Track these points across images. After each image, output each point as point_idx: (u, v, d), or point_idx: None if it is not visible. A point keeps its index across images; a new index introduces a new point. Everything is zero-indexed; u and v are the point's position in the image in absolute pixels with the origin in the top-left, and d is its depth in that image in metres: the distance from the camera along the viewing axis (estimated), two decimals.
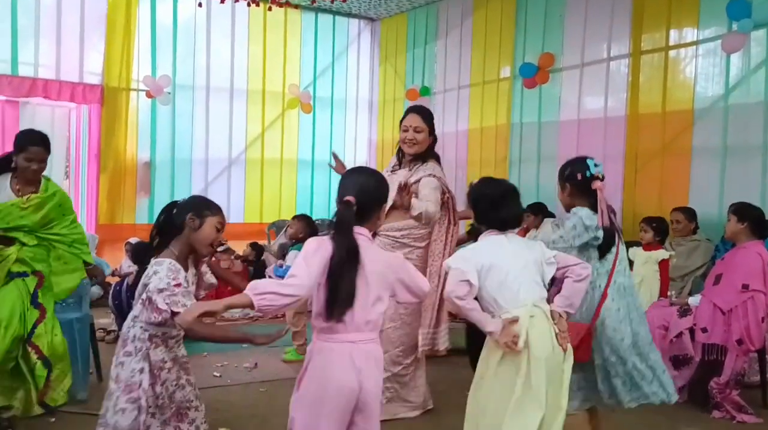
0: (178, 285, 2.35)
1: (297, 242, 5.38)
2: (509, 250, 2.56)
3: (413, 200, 3.42)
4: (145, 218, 8.05)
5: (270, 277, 7.24)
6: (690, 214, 5.35)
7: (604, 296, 2.82)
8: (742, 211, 4.11)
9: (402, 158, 3.78)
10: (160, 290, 2.32)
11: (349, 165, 4.26)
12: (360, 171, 2.38)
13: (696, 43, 6.04)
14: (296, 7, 9.03)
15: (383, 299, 2.19)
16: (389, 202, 3.10)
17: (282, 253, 6.86)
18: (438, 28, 8.93)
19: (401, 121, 3.78)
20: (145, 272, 2.42)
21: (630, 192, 6.42)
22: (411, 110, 3.79)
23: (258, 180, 9.14)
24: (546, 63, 7.26)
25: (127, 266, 5.98)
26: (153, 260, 2.43)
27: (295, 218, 5.65)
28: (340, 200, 2.21)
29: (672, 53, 6.22)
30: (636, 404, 2.93)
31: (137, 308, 2.45)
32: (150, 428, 2.42)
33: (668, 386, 2.96)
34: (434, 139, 3.79)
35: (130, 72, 8.13)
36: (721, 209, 5.18)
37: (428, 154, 3.73)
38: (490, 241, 2.60)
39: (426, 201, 3.50)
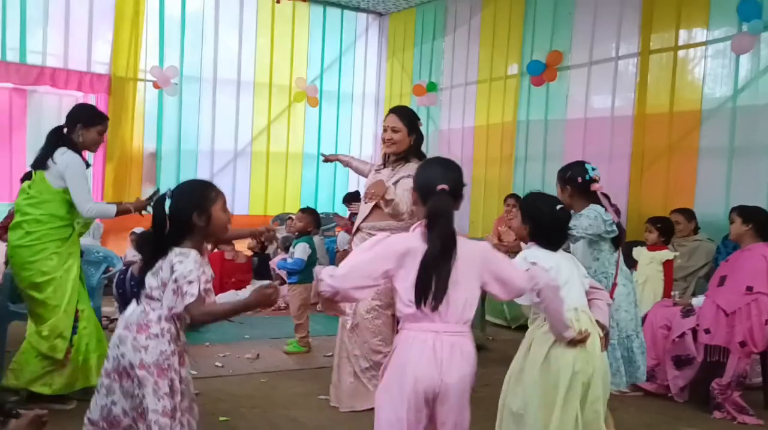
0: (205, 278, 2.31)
1: (303, 234, 5.37)
2: (560, 257, 2.67)
3: (390, 187, 3.50)
4: (150, 208, 8.08)
5: (274, 270, 7.26)
6: (689, 215, 5.34)
7: (615, 283, 3.15)
8: (747, 212, 4.11)
9: (386, 158, 3.84)
10: (190, 281, 2.23)
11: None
12: (445, 162, 2.32)
13: (705, 43, 6.02)
14: (305, 0, 9.02)
15: (473, 291, 2.18)
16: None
17: (285, 245, 6.87)
18: (446, 24, 8.91)
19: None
20: (165, 261, 2.29)
21: (636, 192, 6.41)
22: (391, 111, 3.84)
23: (263, 173, 9.15)
24: (554, 61, 7.24)
25: (132, 255, 6.01)
26: (177, 250, 2.28)
27: (302, 211, 5.63)
28: (427, 190, 2.17)
29: (681, 53, 6.20)
30: (626, 386, 3.28)
31: (155, 293, 2.32)
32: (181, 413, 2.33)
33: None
34: (417, 139, 3.78)
35: (137, 62, 8.14)
36: (727, 210, 5.16)
37: (410, 153, 3.75)
38: (545, 251, 2.64)
39: (398, 200, 3.55)
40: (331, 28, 9.61)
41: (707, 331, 4.01)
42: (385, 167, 3.84)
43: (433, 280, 2.08)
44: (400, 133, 3.71)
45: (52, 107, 7.90)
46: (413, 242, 2.15)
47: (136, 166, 8.25)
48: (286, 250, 6.30)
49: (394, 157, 3.78)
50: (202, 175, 8.67)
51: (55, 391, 3.48)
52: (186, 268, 2.25)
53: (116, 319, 5.43)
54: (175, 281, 2.24)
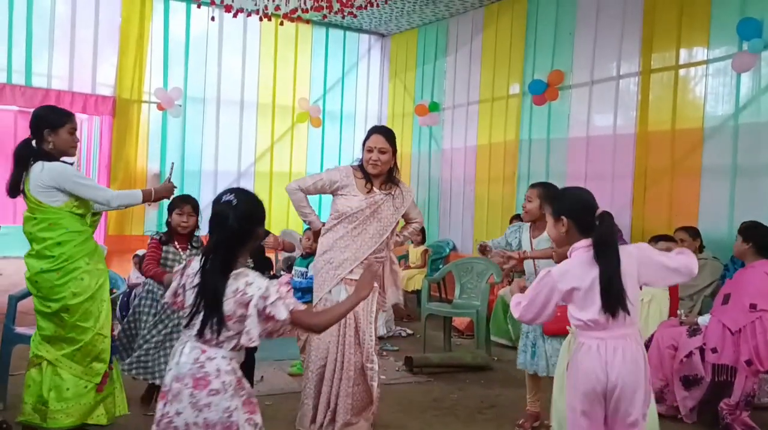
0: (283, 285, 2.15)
1: (309, 255, 5.35)
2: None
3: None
4: (153, 229, 8.09)
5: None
6: (694, 233, 5.33)
7: None
8: (747, 231, 4.11)
9: (368, 177, 3.70)
10: (273, 300, 2.05)
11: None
12: (580, 188, 2.68)
13: (706, 62, 6.05)
14: (308, 22, 9.11)
15: (635, 292, 2.43)
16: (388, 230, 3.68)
17: (287, 265, 6.85)
18: (448, 44, 8.98)
19: (365, 142, 3.74)
20: (230, 289, 2.06)
21: (639, 210, 6.40)
22: (375, 131, 3.75)
23: (267, 193, 9.17)
24: (555, 80, 7.28)
25: (135, 277, 6.00)
26: (234, 274, 2.09)
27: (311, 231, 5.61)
28: (589, 217, 2.43)
29: (682, 72, 6.23)
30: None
31: (208, 337, 2.06)
32: None
33: None
34: (395, 159, 3.80)
35: (142, 84, 8.22)
36: (731, 229, 5.15)
37: (391, 172, 3.75)
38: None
39: (416, 222, 3.96)
40: (334, 49, 9.70)
41: (714, 350, 3.98)
42: (376, 189, 3.70)
43: (614, 296, 2.33)
44: (387, 154, 3.68)
45: None
46: (576, 271, 2.40)
47: (140, 187, 8.24)
48: (289, 269, 6.28)
49: (380, 179, 3.74)
50: (206, 195, 8.68)
51: (110, 419, 3.34)
52: (260, 286, 2.06)
53: None
54: (256, 306, 2.04)
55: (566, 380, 2.51)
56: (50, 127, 3.25)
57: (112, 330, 3.43)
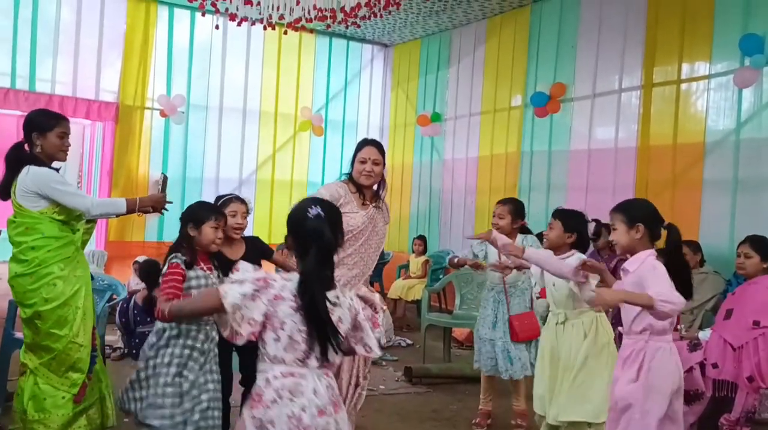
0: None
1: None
2: None
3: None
4: (154, 236, 8.09)
5: None
6: (695, 247, 5.31)
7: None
8: (755, 243, 4.04)
9: (360, 190, 3.64)
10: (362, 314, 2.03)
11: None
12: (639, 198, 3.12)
13: (708, 77, 6.07)
14: (311, 31, 9.13)
15: None
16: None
17: None
18: (450, 55, 9.02)
19: (356, 153, 3.70)
20: (341, 308, 1.97)
21: None
22: (368, 143, 3.71)
23: (268, 201, 9.18)
24: (557, 93, 7.30)
25: (135, 283, 5.99)
26: (338, 288, 2.00)
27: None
28: (659, 225, 2.70)
29: (684, 86, 6.25)
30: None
31: (332, 360, 1.95)
32: None
33: None
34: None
35: (145, 91, 8.25)
36: (732, 243, 5.14)
37: (380, 187, 3.73)
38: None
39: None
40: (337, 58, 9.74)
41: (715, 365, 3.96)
42: (365, 203, 3.65)
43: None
44: (379, 166, 3.65)
45: None
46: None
47: (141, 194, 8.25)
48: None
49: (370, 192, 3.69)
50: None
51: None
52: (351, 296, 2.01)
53: (119, 348, 5.41)
54: (361, 316, 2.00)
55: (642, 385, 2.67)
56: (39, 131, 3.20)
57: (94, 339, 3.33)
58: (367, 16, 6.93)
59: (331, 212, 2.06)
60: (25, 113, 7.56)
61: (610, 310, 3.60)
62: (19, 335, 3.99)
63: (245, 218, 3.46)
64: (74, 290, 3.19)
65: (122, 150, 8.13)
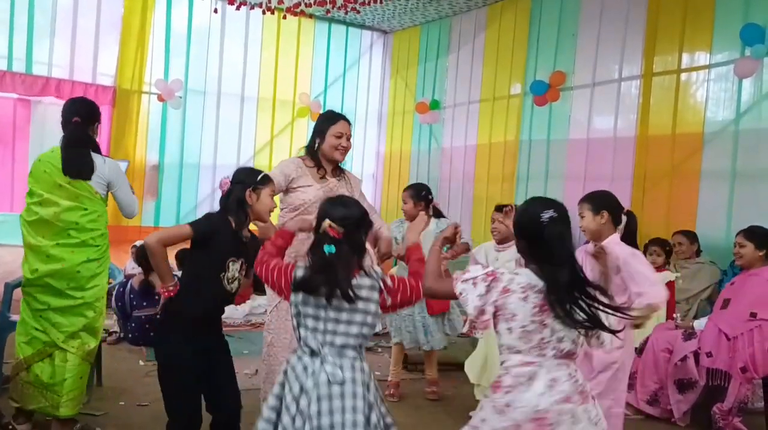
0: None
1: None
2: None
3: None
4: (151, 220, 8.08)
5: None
6: (692, 237, 5.32)
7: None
8: (762, 238, 4.03)
9: (320, 164, 3.52)
10: None
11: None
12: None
13: (708, 67, 6.05)
14: (310, 17, 9.10)
15: None
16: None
17: None
18: (450, 43, 8.97)
19: (329, 127, 3.58)
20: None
21: (637, 213, 6.31)
22: (341, 117, 3.62)
23: None
24: (557, 81, 7.28)
25: (131, 267, 5.98)
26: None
27: None
28: (620, 211, 3.00)
29: (683, 76, 6.23)
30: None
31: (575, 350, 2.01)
32: None
33: None
34: None
35: (142, 75, 8.20)
36: (729, 233, 5.15)
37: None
38: None
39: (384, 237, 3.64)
40: (336, 44, 9.69)
41: (709, 354, 3.98)
42: (329, 177, 3.54)
43: None
44: (349, 142, 3.65)
45: (56, 118, 7.89)
46: None
47: (138, 179, 8.27)
48: None
49: (332, 165, 3.59)
50: (204, 188, 8.70)
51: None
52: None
53: (114, 332, 5.41)
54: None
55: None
56: (99, 120, 3.48)
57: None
58: (366, 2, 6.90)
59: (562, 211, 2.03)
60: (22, 96, 7.60)
61: None
62: (14, 317, 3.99)
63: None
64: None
65: (119, 134, 8.10)
